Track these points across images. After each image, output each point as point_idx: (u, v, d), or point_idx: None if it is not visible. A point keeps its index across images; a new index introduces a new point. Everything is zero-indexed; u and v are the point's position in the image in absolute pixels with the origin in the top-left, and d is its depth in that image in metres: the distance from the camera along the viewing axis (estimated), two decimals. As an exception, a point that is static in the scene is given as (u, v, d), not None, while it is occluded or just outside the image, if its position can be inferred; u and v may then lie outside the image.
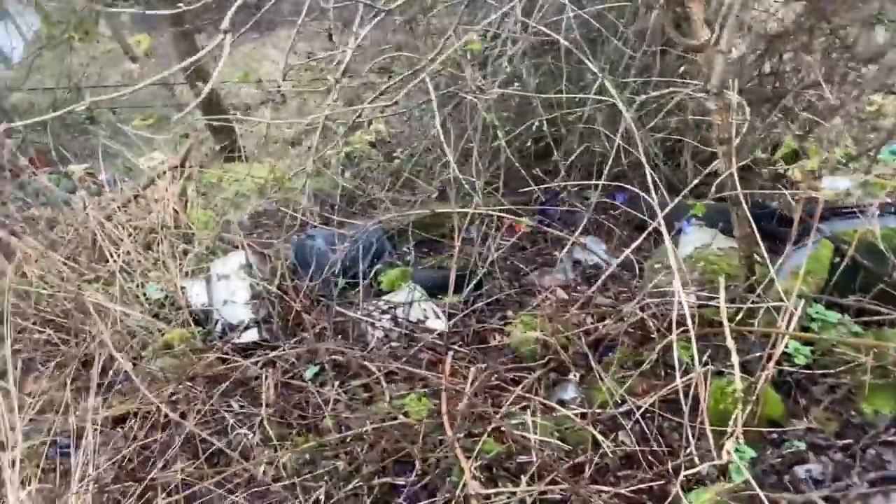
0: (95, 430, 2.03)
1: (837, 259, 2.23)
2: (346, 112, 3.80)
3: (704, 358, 1.97)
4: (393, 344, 2.77)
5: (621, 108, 2.28)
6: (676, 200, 2.35)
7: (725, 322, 1.96)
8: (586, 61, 2.34)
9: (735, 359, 1.90)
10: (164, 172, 4.30)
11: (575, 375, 2.53)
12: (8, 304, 2.46)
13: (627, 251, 2.71)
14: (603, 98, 2.45)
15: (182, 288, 3.06)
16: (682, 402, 1.90)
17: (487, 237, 3.60)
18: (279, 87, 4.51)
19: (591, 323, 2.80)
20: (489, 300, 2.94)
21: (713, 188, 2.17)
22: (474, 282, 2.97)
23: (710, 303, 2.42)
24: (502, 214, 2.80)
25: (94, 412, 2.07)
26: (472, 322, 2.88)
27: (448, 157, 2.39)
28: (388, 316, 2.86)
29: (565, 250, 3.00)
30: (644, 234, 2.41)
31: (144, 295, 3.19)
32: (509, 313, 3.05)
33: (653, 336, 2.58)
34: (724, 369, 2.11)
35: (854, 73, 3.81)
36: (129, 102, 11.70)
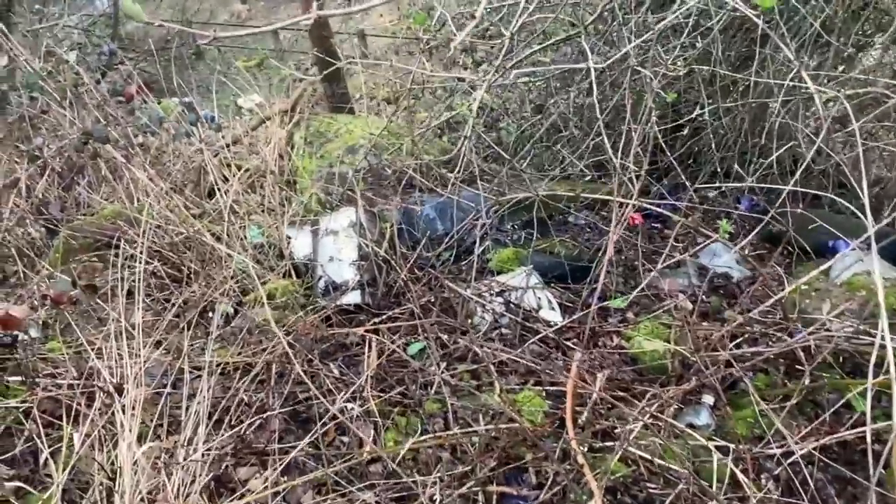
0: (211, 375, 1.90)
1: None
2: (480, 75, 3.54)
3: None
4: (504, 331, 2.54)
5: (818, 104, 1.93)
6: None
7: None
8: (784, 47, 1.98)
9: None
10: (274, 115, 4.19)
11: (709, 398, 2.24)
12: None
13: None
14: (789, 93, 2.09)
15: (287, 237, 2.92)
16: (869, 455, 1.60)
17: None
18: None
19: (721, 341, 2.50)
20: (598, 294, 2.66)
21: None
22: (591, 275, 2.70)
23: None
24: (657, 208, 2.49)
25: (208, 359, 1.94)
26: (590, 320, 2.62)
27: (603, 138, 2.10)
28: (499, 299, 2.63)
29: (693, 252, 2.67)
30: (833, 259, 2.06)
31: (245, 238, 3.09)
32: (629, 315, 2.77)
33: (801, 368, 2.26)
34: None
35: None
36: (234, 43, 11.83)
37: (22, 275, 2.49)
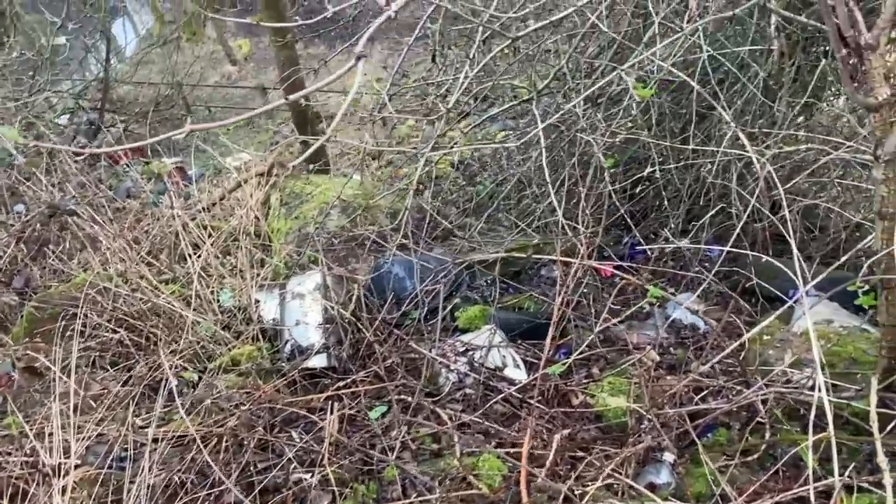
0: (155, 449, 1.89)
1: None
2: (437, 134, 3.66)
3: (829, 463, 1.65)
4: (467, 391, 2.54)
5: (755, 161, 2.00)
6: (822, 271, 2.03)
7: (876, 430, 1.63)
8: (720, 110, 2.06)
9: (888, 479, 1.57)
10: (251, 178, 4.28)
11: (670, 456, 2.23)
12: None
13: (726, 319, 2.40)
14: (729, 151, 2.17)
15: (256, 301, 2.94)
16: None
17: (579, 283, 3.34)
18: (379, 106, 4.41)
19: (687, 394, 2.51)
20: (577, 355, 2.67)
21: (864, 267, 1.85)
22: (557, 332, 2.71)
23: (843, 397, 2.08)
24: (607, 269, 2.54)
25: (153, 429, 1.93)
26: (555, 377, 2.62)
27: (552, 198, 2.16)
28: (463, 359, 2.64)
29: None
30: (785, 306, 2.10)
31: (217, 302, 3.11)
32: (594, 370, 2.78)
33: (762, 421, 2.26)
34: (862, 483, 1.77)
35: None
36: (224, 103, 12.10)
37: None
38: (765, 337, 2.77)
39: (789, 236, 1.84)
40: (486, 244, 3.60)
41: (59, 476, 1.57)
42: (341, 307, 2.77)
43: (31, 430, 1.80)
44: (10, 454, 1.85)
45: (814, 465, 1.74)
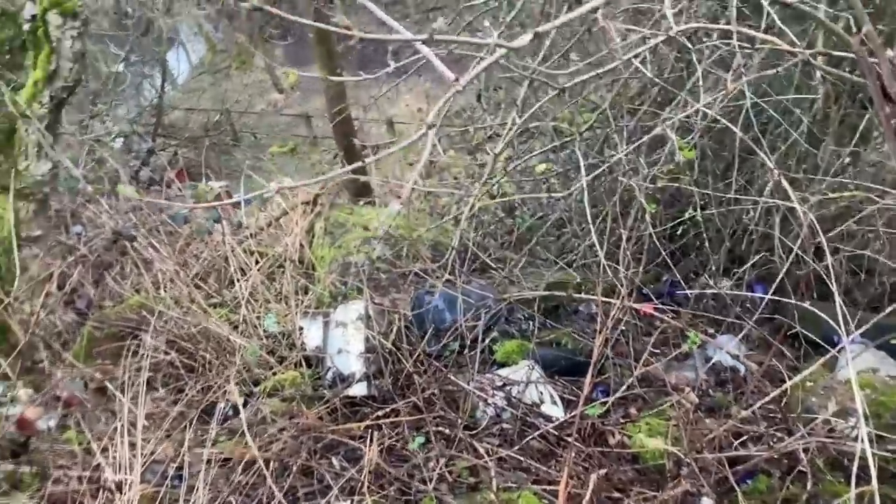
0: (208, 470, 1.98)
1: None
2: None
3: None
4: (504, 425, 2.57)
5: (798, 209, 2.02)
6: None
7: None
8: (763, 156, 2.10)
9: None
10: (297, 206, 4.43)
11: (708, 501, 2.22)
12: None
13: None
14: (769, 200, 2.19)
15: (300, 328, 3.04)
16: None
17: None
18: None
19: (727, 439, 2.49)
20: (616, 395, 2.69)
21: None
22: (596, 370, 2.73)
23: (888, 449, 2.05)
24: (647, 309, 2.56)
25: (207, 451, 2.03)
26: (593, 416, 2.64)
27: (592, 237, 2.21)
28: (501, 393, 2.68)
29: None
30: (829, 354, 2.09)
31: (262, 327, 3.22)
32: (632, 410, 2.78)
33: (803, 471, 2.23)
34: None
35: None
36: (269, 129, 12.50)
37: (48, 364, 2.65)
38: (808, 384, 2.74)
39: (832, 284, 1.85)
40: (526, 278, 3.64)
41: (122, 492, 1.67)
42: (382, 337, 2.85)
43: (96, 446, 1.91)
44: (70, 468, 1.96)
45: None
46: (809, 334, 2.95)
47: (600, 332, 2.22)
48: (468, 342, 3.15)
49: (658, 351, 3.22)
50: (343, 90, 4.78)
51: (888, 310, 1.92)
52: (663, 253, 2.57)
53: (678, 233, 2.80)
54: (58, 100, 3.07)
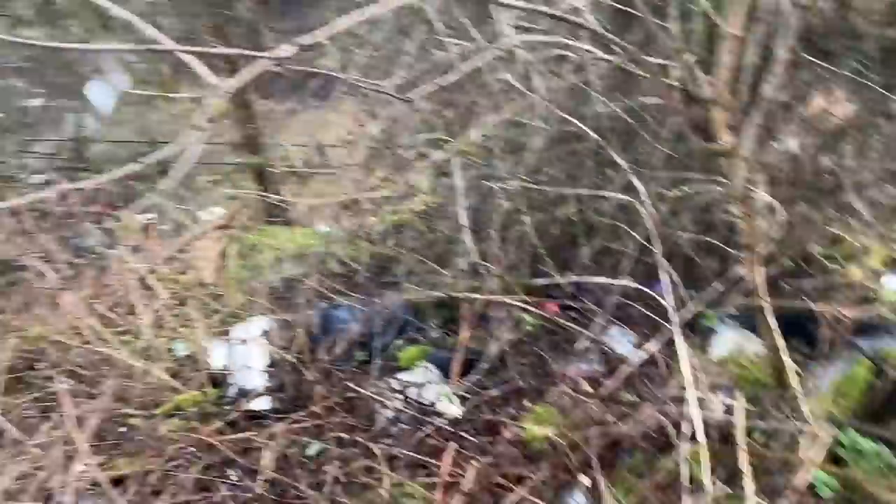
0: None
1: (877, 381, 2.06)
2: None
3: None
4: (402, 426, 2.69)
5: (642, 205, 2.24)
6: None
7: (741, 441, 1.82)
8: (616, 157, 2.31)
9: (749, 486, 1.75)
10: (210, 230, 4.48)
11: (586, 479, 2.38)
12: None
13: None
14: (619, 196, 2.42)
15: (205, 348, 3.10)
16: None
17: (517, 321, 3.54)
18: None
19: (610, 421, 2.67)
20: (504, 387, 2.85)
21: (742, 296, 2.06)
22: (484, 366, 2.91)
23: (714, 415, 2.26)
24: (511, 302, 2.74)
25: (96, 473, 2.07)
26: (485, 410, 2.79)
27: (467, 242, 2.38)
28: (400, 396, 2.80)
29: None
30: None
31: (171, 351, 3.26)
32: (525, 403, 2.94)
33: (673, 443, 2.42)
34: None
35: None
36: (199, 160, 12.33)
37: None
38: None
39: (663, 269, 2.05)
40: (435, 288, 3.78)
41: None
42: (285, 352, 2.93)
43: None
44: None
45: (695, 474, 1.90)
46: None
47: (466, 328, 2.36)
48: (373, 351, 3.27)
49: (560, 346, 3.42)
50: (253, 114, 4.86)
51: (710, 287, 2.13)
52: (543, 252, 2.75)
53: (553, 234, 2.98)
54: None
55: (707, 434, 2.12)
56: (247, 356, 2.99)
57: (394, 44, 2.56)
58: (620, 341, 3.33)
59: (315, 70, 1.83)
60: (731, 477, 1.99)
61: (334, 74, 1.99)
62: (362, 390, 2.80)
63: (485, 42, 2.03)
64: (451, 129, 3.08)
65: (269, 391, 2.83)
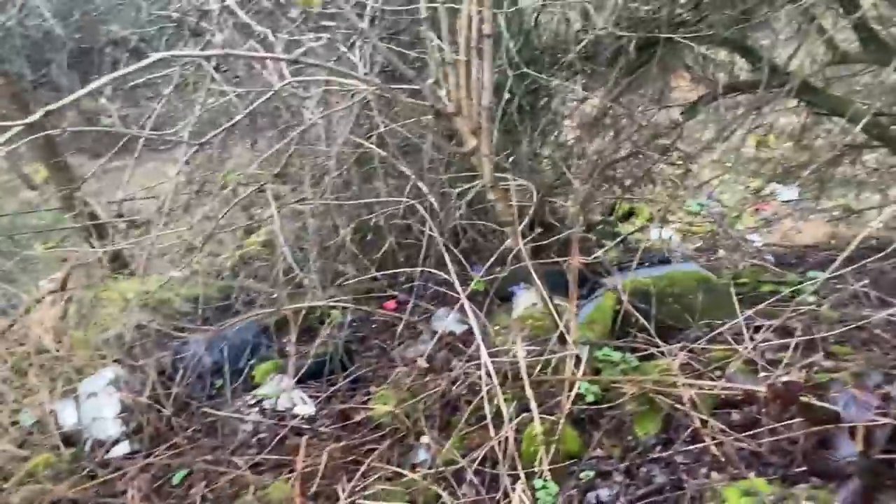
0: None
1: (618, 307, 2.46)
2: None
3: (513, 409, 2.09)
4: (261, 435, 2.70)
5: (430, 205, 2.46)
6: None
7: (524, 374, 2.10)
8: (402, 167, 2.52)
9: (534, 406, 2.03)
10: (44, 297, 4.08)
11: (426, 439, 2.57)
12: None
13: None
14: (400, 199, 2.65)
15: (51, 411, 2.86)
16: (499, 454, 2.00)
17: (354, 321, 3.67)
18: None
19: (444, 387, 2.89)
20: (350, 379, 2.97)
21: (509, 261, 2.35)
22: (332, 365, 3.02)
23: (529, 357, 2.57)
24: (336, 305, 2.88)
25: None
26: (337, 403, 2.88)
27: (287, 257, 2.46)
28: (256, 409, 2.80)
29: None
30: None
31: (16, 423, 2.96)
32: (373, 388, 3.08)
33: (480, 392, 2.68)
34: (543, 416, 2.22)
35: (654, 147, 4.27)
36: (32, 228, 10.99)
37: None
38: (496, 327, 3.29)
39: (447, 253, 2.29)
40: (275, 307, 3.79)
41: None
42: (137, 395, 2.80)
43: None
44: None
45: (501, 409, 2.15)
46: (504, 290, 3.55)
47: (293, 329, 2.45)
48: (227, 376, 3.22)
49: (402, 335, 3.61)
50: (71, 176, 4.50)
51: (493, 258, 2.41)
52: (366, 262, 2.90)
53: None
54: None
55: (506, 375, 2.43)
56: (98, 408, 2.81)
57: (186, 94, 2.56)
58: (448, 319, 3.59)
59: (105, 128, 1.81)
60: (527, 405, 2.28)
61: (124, 131, 1.97)
62: (220, 412, 2.76)
63: (266, 85, 2.13)
64: (264, 164, 3.14)
65: (126, 436, 2.69)
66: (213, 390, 3.19)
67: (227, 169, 3.19)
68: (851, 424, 1.41)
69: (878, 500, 1.34)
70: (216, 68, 2.34)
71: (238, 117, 1.85)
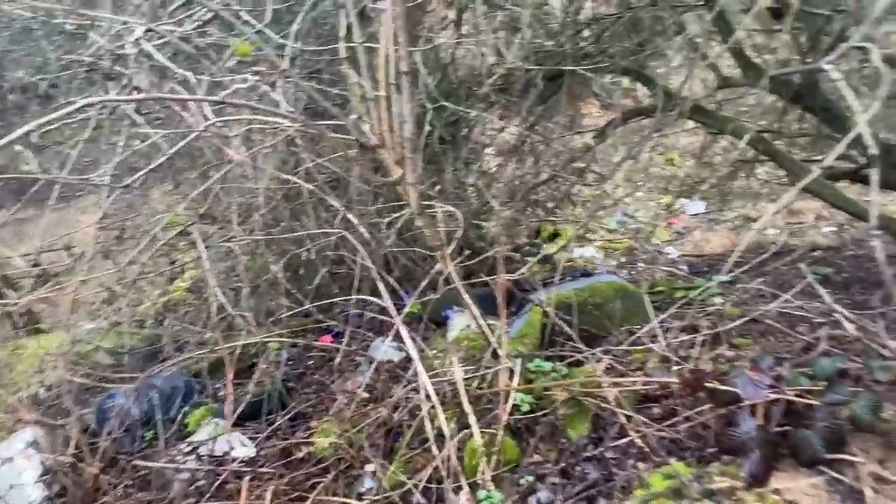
0: None
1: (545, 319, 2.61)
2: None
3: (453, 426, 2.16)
4: (200, 483, 2.62)
5: (360, 235, 2.54)
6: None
7: (462, 392, 2.19)
8: (331, 200, 2.59)
9: (473, 420, 2.12)
10: (-54, 362, 3.79)
11: (371, 467, 2.58)
12: None
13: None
14: (331, 231, 2.72)
15: (-39, 484, 2.65)
16: (443, 471, 2.06)
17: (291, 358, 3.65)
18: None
19: (386, 414, 2.92)
20: (290, 416, 2.95)
21: (440, 284, 2.46)
22: (270, 404, 2.98)
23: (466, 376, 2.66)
24: (271, 339, 2.88)
25: None
26: (278, 441, 2.85)
27: (220, 298, 2.45)
28: (192, 457, 2.72)
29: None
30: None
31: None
32: (313, 423, 3.06)
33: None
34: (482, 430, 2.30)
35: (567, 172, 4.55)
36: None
37: None
38: (434, 351, 3.37)
39: (380, 281, 2.37)
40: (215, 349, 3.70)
41: None
42: (59, 455, 2.66)
43: None
44: None
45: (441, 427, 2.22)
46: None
47: (228, 370, 2.44)
48: (158, 425, 3.11)
49: (339, 369, 3.60)
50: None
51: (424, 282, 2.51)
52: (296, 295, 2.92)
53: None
54: None
55: (445, 395, 2.50)
56: (16, 474, 2.64)
57: (104, 138, 2.53)
58: (385, 347, 3.63)
59: (21, 175, 1.79)
60: (467, 421, 2.37)
61: (41, 177, 1.94)
62: (153, 464, 2.66)
63: (187, 126, 2.16)
64: (189, 205, 3.12)
65: (50, 500, 2.54)
66: (143, 442, 3.07)
67: (146, 213, 3.14)
68: (751, 403, 1.60)
69: (776, 467, 1.52)
70: (137, 111, 2.34)
71: (162, 158, 1.86)
